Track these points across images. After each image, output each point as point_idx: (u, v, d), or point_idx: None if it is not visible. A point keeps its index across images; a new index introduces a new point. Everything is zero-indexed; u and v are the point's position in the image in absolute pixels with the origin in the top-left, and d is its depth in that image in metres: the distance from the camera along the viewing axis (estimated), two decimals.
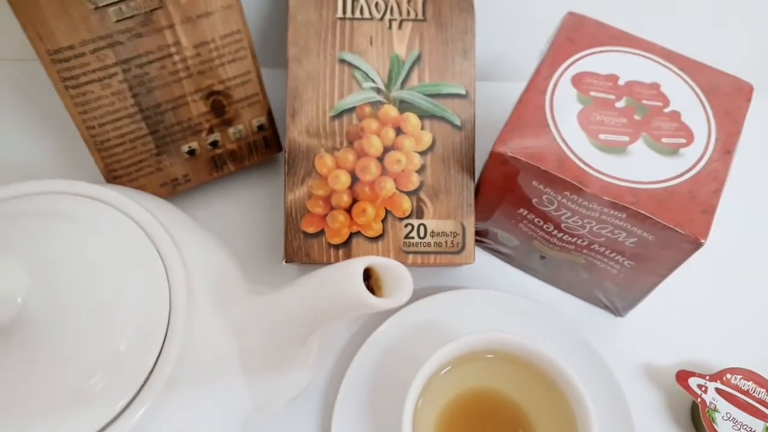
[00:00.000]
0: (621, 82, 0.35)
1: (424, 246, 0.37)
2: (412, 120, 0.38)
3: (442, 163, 0.38)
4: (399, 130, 0.38)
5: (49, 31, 0.34)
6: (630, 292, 0.38)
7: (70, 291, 0.23)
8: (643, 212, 0.31)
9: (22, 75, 0.48)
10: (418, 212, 0.37)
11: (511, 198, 0.36)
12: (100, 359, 0.23)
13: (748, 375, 0.36)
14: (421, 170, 0.38)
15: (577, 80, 0.35)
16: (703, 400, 0.36)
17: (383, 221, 0.37)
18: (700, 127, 0.34)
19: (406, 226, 0.37)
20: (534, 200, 0.35)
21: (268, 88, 0.41)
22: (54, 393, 0.22)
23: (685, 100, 0.35)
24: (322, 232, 0.37)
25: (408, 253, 0.37)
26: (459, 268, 0.41)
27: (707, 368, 0.38)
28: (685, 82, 0.35)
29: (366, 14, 0.39)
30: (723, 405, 0.36)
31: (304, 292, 0.26)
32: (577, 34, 0.36)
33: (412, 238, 0.37)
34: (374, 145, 0.38)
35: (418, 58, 0.39)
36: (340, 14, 0.39)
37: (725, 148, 0.33)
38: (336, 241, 0.37)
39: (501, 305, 0.39)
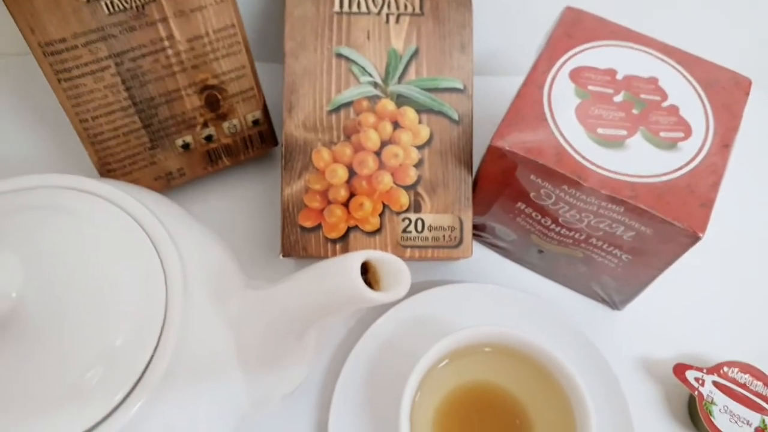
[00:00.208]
0: (619, 77, 0.35)
1: (422, 240, 0.37)
2: (409, 114, 0.38)
3: (439, 158, 0.38)
4: (396, 125, 0.38)
5: (41, 23, 0.33)
6: (627, 285, 0.38)
7: (66, 285, 0.23)
8: (641, 206, 0.31)
9: (15, 69, 0.47)
10: (416, 206, 0.37)
11: (508, 192, 0.36)
12: (97, 353, 0.23)
13: (745, 368, 0.37)
14: (418, 164, 0.38)
15: (575, 74, 0.35)
16: (700, 393, 0.36)
17: (380, 215, 0.37)
18: (698, 121, 0.34)
19: (403, 220, 0.37)
20: (532, 194, 0.35)
21: (265, 82, 0.40)
22: (50, 387, 0.22)
23: (683, 94, 0.34)
24: (319, 227, 0.37)
25: (405, 247, 0.37)
26: (456, 262, 0.41)
27: (704, 361, 0.38)
28: (683, 76, 0.35)
29: (363, 8, 0.39)
30: (720, 398, 0.36)
31: (301, 286, 0.25)
32: (575, 28, 0.36)
33: (410, 232, 0.37)
34: (371, 140, 0.37)
35: (416, 53, 0.38)
36: (337, 8, 0.38)
37: (723, 142, 0.33)
38: (333, 235, 0.37)
39: (498, 299, 0.39)
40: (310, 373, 0.32)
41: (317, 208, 0.37)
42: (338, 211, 0.37)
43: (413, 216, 0.37)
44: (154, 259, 0.25)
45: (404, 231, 0.37)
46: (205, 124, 0.40)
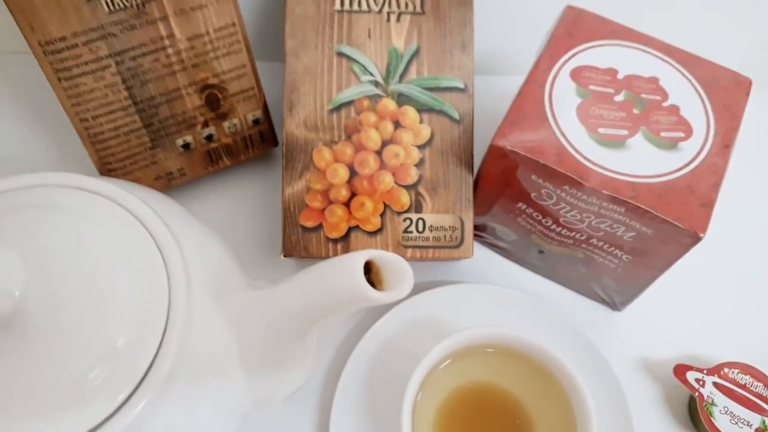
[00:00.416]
0: (620, 76, 0.35)
1: (423, 240, 0.37)
2: (410, 113, 0.38)
3: (440, 157, 0.38)
4: (397, 124, 0.38)
5: (41, 22, 0.33)
6: (628, 286, 0.38)
7: (69, 284, 0.23)
8: (642, 206, 0.31)
9: (16, 67, 0.47)
10: (417, 206, 0.37)
11: (509, 192, 0.36)
12: (99, 353, 0.23)
13: (746, 369, 0.37)
14: (419, 164, 0.38)
15: (576, 74, 0.35)
16: (700, 394, 0.36)
17: (382, 215, 0.37)
18: (698, 121, 0.34)
19: (404, 220, 0.37)
20: (533, 194, 0.35)
21: (265, 81, 0.40)
22: (53, 387, 0.22)
23: (684, 94, 0.35)
24: (320, 227, 0.37)
25: (407, 247, 0.37)
26: (457, 262, 0.41)
27: (705, 362, 0.38)
28: (684, 76, 0.35)
29: (364, 7, 0.38)
30: (720, 399, 0.36)
31: (303, 286, 0.25)
32: (576, 27, 0.36)
33: (411, 232, 0.37)
34: (373, 139, 0.37)
35: (417, 52, 0.38)
36: (338, 7, 0.38)
37: (724, 142, 0.33)
38: (334, 235, 0.37)
39: (499, 299, 0.39)
40: (311, 374, 0.32)
41: (318, 208, 0.37)
42: (339, 211, 0.37)
43: (414, 216, 0.37)
44: (156, 258, 0.25)
45: (405, 231, 0.37)
46: (205, 124, 0.39)
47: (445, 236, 0.37)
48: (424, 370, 0.32)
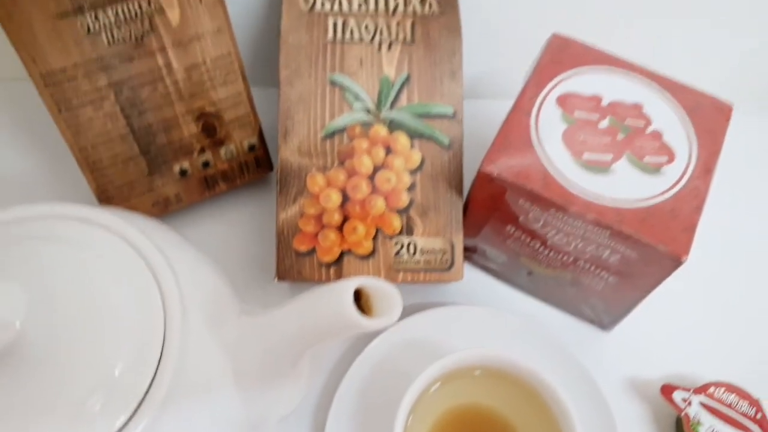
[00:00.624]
0: (604, 103, 0.36)
1: (414, 263, 0.38)
2: (401, 139, 0.39)
3: (431, 182, 0.39)
4: (389, 150, 0.39)
5: (42, 54, 0.34)
6: (615, 307, 0.38)
7: (67, 313, 0.24)
8: (625, 231, 0.32)
9: (15, 94, 0.48)
10: (408, 230, 0.38)
11: (498, 216, 0.37)
12: (98, 380, 0.23)
13: (731, 388, 0.37)
14: (410, 188, 0.38)
15: (562, 100, 0.36)
16: (686, 414, 0.36)
17: (374, 239, 0.38)
18: (681, 145, 0.35)
19: (396, 243, 0.38)
20: (521, 218, 0.36)
21: (261, 107, 0.41)
22: (52, 414, 0.22)
23: (667, 119, 0.35)
24: (313, 251, 0.38)
25: (398, 270, 0.38)
26: (448, 283, 0.42)
27: (692, 382, 0.38)
28: (667, 102, 0.36)
29: (356, 37, 0.40)
30: (707, 418, 0.36)
31: (295, 314, 0.26)
32: (561, 55, 0.37)
33: (402, 255, 0.38)
34: (365, 164, 0.38)
35: (407, 80, 0.39)
36: (330, 37, 0.39)
37: (706, 167, 0.34)
38: (327, 259, 0.38)
39: (489, 321, 0.39)
40: (305, 396, 0.33)
41: (312, 233, 0.38)
42: (332, 235, 0.38)
43: (406, 239, 0.38)
44: (152, 286, 0.26)
45: (397, 254, 0.38)
46: (202, 150, 0.40)
47: (435, 259, 0.38)
48: (414, 394, 0.32)
